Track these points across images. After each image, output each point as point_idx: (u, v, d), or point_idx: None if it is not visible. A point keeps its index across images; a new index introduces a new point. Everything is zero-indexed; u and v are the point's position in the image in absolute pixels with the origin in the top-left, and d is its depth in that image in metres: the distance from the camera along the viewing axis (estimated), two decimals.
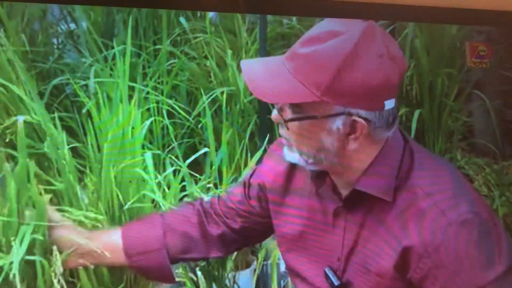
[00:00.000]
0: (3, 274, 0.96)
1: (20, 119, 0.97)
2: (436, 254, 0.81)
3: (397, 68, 0.83)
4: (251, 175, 1.07)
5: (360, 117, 0.82)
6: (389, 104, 0.84)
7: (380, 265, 0.86)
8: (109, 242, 1.02)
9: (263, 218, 1.04)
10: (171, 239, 1.02)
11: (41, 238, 0.99)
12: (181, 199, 1.18)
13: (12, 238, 0.98)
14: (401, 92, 1.46)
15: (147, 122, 1.15)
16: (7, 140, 0.99)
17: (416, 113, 1.43)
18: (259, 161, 1.19)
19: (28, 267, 1.00)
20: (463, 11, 1.14)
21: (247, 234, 1.06)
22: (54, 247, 0.99)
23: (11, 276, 0.95)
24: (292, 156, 0.89)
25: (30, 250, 0.99)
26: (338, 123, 0.83)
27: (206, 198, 1.10)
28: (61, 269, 0.99)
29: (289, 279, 1.25)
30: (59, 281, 0.99)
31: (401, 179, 0.87)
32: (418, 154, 0.89)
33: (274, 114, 0.89)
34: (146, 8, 1.32)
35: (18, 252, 0.96)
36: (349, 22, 0.85)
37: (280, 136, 0.92)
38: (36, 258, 0.99)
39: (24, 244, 0.97)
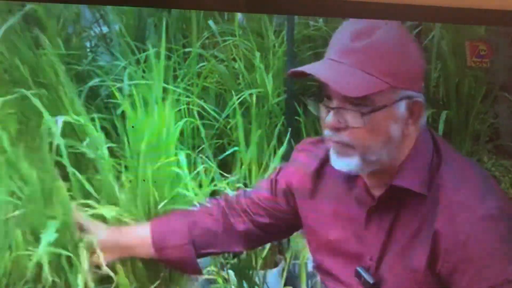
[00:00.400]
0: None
1: (59, 120, 1.01)
2: (463, 247, 0.83)
3: (423, 54, 0.90)
4: (278, 173, 1.08)
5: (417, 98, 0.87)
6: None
7: (413, 261, 0.88)
8: (139, 236, 1.06)
9: (289, 215, 1.06)
10: (196, 234, 1.06)
11: (68, 234, 1.03)
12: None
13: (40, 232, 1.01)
14: (428, 94, 1.46)
15: (181, 123, 1.18)
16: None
17: (443, 114, 1.43)
18: (285, 159, 1.21)
19: (58, 262, 1.03)
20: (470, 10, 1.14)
21: (271, 230, 1.08)
22: (81, 244, 1.03)
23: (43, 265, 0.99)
24: (346, 163, 0.89)
25: (57, 245, 1.02)
26: (402, 108, 0.86)
27: (231, 193, 1.12)
28: (88, 265, 1.02)
29: (317, 278, 1.27)
30: (86, 276, 1.02)
31: (432, 173, 0.89)
32: (445, 150, 0.92)
33: (334, 119, 0.87)
34: (175, 12, 1.34)
35: (44, 245, 1.00)
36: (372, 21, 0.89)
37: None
38: (62, 252, 1.02)
39: (49, 236, 1.00)
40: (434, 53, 1.46)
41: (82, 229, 1.05)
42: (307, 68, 0.87)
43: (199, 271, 1.10)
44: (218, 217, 1.08)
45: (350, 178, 0.95)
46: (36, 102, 1.00)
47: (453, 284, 0.85)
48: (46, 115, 1.00)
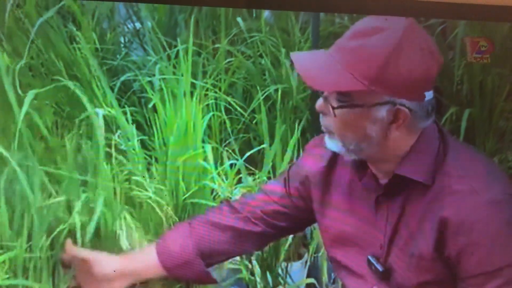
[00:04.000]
0: None
1: (99, 112, 1.05)
2: (470, 231, 0.85)
3: (435, 61, 0.88)
4: (289, 169, 1.09)
5: (403, 106, 0.87)
6: (429, 95, 0.89)
7: (421, 247, 0.90)
8: (146, 260, 1.06)
9: (303, 213, 1.07)
10: (203, 247, 1.06)
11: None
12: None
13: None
14: (451, 91, 1.47)
15: (207, 117, 1.21)
16: (81, 131, 1.07)
17: (466, 112, 1.43)
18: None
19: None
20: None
21: (285, 229, 1.09)
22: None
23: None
24: (333, 144, 0.92)
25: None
26: (382, 112, 0.87)
27: (233, 199, 1.13)
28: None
29: None
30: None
31: (437, 164, 0.91)
32: (452, 142, 0.93)
33: (320, 103, 0.92)
34: (205, 9, 1.37)
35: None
36: (390, 19, 0.89)
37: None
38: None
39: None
40: (458, 50, 1.46)
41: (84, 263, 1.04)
42: (295, 54, 0.92)
43: (213, 281, 1.10)
44: (223, 227, 1.07)
45: (360, 169, 0.97)
46: (79, 92, 1.04)
47: (461, 268, 0.88)
48: (88, 107, 1.04)
